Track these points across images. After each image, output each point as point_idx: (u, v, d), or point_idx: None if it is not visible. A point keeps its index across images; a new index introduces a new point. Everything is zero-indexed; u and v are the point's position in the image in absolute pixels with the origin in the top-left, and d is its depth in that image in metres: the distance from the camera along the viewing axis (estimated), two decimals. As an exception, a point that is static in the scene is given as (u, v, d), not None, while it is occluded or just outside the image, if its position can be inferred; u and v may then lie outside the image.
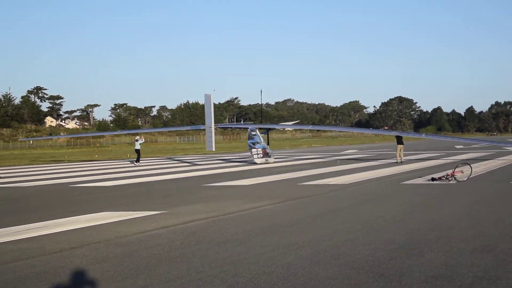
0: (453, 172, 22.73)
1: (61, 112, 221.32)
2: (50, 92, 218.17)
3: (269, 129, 46.52)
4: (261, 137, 41.34)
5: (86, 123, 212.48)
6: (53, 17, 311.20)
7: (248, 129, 41.89)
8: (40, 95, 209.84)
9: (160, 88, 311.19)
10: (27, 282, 7.99)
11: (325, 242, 10.31)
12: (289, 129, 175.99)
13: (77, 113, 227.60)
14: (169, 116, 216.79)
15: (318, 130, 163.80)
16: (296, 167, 34.95)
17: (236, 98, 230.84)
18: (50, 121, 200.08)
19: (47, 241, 11.08)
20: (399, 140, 38.00)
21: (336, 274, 7.99)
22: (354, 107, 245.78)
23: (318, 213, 14.31)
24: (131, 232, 11.85)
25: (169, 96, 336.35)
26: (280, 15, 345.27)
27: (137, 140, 44.64)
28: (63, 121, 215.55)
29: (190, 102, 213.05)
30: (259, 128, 45.18)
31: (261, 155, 39.78)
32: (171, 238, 11.05)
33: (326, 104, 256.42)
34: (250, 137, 40.67)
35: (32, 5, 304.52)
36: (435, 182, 22.15)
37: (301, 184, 22.72)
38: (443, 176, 22.70)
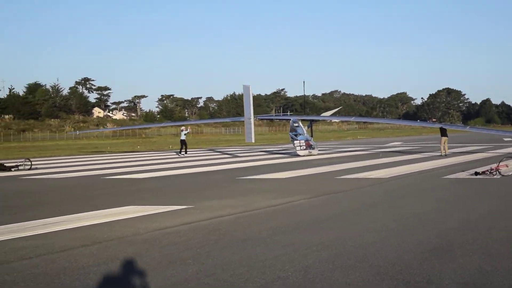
0: (498, 166, 21.71)
1: (108, 103, 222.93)
2: (97, 83, 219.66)
3: (313, 120, 45.68)
4: (304, 129, 40.54)
5: (133, 114, 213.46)
6: (100, 7, 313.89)
7: (290, 121, 41.16)
8: (88, 86, 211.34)
9: (207, 79, 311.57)
10: (22, 285, 7.45)
11: (352, 242, 9.60)
12: (335, 120, 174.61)
13: (125, 104, 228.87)
14: (216, 108, 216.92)
15: (364, 122, 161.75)
16: (337, 159, 34.16)
17: (282, 90, 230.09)
18: (97, 112, 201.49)
19: (59, 238, 10.55)
20: (443, 132, 36.90)
21: (357, 280, 7.29)
22: (402, 98, 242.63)
23: (350, 209, 13.60)
24: (150, 229, 11.27)
25: (216, 87, 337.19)
26: (328, 6, 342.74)
27: (182, 131, 44.49)
28: (110, 112, 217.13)
29: (237, 93, 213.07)
30: (303, 120, 44.42)
31: (304, 147, 39.04)
32: (189, 236, 10.44)
33: (374, 95, 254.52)
34: (292, 129, 39.88)
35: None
36: (478, 176, 21.15)
37: (339, 177, 21.96)
38: (487, 170, 21.66)
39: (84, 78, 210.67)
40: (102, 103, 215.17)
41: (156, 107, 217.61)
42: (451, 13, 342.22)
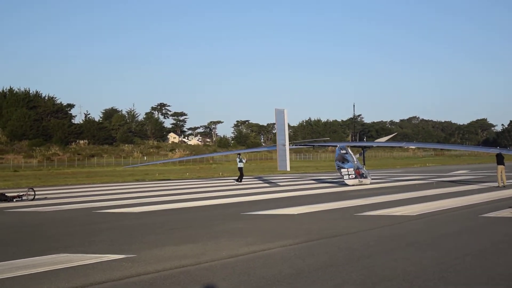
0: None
1: (184, 129, 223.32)
2: (174, 108, 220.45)
3: (365, 147, 42.01)
4: (354, 156, 37.19)
5: (208, 139, 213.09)
6: (179, 32, 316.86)
7: (336, 148, 37.77)
8: (164, 111, 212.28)
9: (283, 105, 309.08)
10: None
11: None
12: (411, 147, 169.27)
13: (200, 130, 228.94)
14: (291, 133, 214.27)
15: (442, 149, 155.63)
16: (384, 190, 30.84)
17: (359, 115, 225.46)
18: (173, 137, 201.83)
19: None
20: (500, 160, 32.95)
21: None
22: (482, 125, 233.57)
23: (330, 262, 10.55)
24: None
25: (292, 113, 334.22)
26: (406, 26, 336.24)
27: (239, 158, 42.45)
28: (186, 138, 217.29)
29: (312, 119, 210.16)
30: (353, 147, 41.22)
31: (353, 176, 35.87)
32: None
33: (453, 122, 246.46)
34: (340, 157, 36.45)
35: (156, 18, 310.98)
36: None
37: (359, 214, 18.77)
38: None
39: (160, 103, 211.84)
40: (178, 128, 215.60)
41: (232, 132, 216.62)
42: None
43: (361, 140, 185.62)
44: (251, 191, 32.41)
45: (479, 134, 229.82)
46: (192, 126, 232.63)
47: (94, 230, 15.82)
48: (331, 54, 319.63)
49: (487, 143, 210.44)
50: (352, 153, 37.19)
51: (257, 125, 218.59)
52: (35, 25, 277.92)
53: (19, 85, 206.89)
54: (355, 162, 36.75)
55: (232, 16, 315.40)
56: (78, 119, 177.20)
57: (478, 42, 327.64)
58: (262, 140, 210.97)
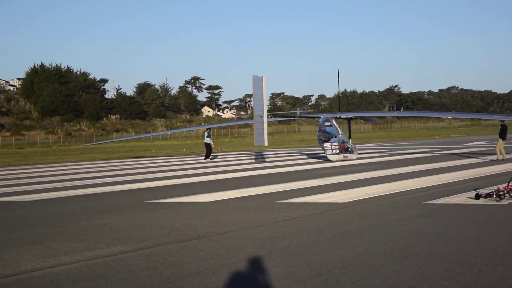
0: (509, 185, 14.72)
1: (220, 102, 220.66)
2: (208, 82, 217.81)
3: (351, 118, 38.54)
4: (339, 128, 33.74)
5: (242, 113, 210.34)
6: (216, 7, 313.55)
7: (320, 120, 34.29)
8: (198, 85, 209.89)
9: (319, 77, 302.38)
10: None
11: None
12: (448, 117, 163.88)
13: (236, 103, 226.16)
14: (327, 105, 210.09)
15: (479, 119, 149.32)
16: (356, 168, 27.40)
17: (396, 86, 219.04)
18: (207, 111, 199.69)
19: None
20: (502, 133, 29.52)
21: None
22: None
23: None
24: None
25: (327, 85, 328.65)
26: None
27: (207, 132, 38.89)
28: (221, 111, 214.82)
29: (348, 90, 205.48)
30: (338, 118, 37.83)
31: (337, 151, 32.62)
32: None
33: (493, 91, 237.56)
34: (322, 129, 33.14)
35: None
36: (478, 201, 14.33)
37: (278, 202, 15.60)
38: (493, 191, 14.70)
39: (194, 77, 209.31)
40: (213, 102, 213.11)
41: (268, 105, 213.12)
42: None
43: (398, 110, 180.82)
44: (203, 170, 29.13)
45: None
46: (228, 100, 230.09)
47: None
48: (369, 23, 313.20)
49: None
50: (337, 126, 33.73)
51: (292, 97, 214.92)
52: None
53: (51, 61, 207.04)
54: (340, 136, 33.36)
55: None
56: (111, 94, 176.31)
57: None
58: (298, 112, 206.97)
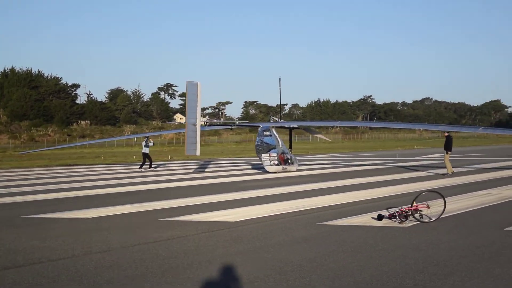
0: (412, 206, 13.46)
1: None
2: (181, 89, 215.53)
3: (292, 128, 37.23)
4: (279, 139, 32.47)
5: (215, 120, 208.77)
6: (183, 11, 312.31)
7: (259, 129, 33.01)
8: (171, 92, 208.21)
9: (293, 86, 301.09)
10: None
11: None
12: (419, 128, 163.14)
13: (209, 110, 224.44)
14: (300, 114, 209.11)
15: (457, 131, 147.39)
16: (287, 180, 26.39)
17: (369, 96, 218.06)
18: (179, 118, 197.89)
19: None
20: (447, 144, 28.36)
21: None
22: (495, 106, 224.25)
23: None
24: None
25: (300, 95, 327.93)
26: (422, 8, 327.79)
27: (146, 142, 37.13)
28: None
29: (321, 100, 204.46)
30: (279, 128, 36.69)
31: (276, 162, 31.40)
32: None
33: (466, 103, 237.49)
34: (261, 140, 31.86)
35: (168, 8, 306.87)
36: (379, 223, 13.11)
37: (163, 219, 14.26)
38: (397, 212, 13.43)
39: (167, 84, 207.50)
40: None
41: (241, 114, 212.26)
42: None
43: (371, 120, 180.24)
44: (124, 180, 27.72)
45: (491, 115, 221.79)
46: (201, 107, 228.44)
47: None
48: (344, 34, 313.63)
49: (499, 125, 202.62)
50: (277, 136, 32.48)
51: (265, 105, 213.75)
52: (39, 4, 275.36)
53: (22, 65, 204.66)
54: (280, 146, 32.14)
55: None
56: (83, 100, 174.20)
57: (492, 23, 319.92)
58: (271, 121, 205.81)
